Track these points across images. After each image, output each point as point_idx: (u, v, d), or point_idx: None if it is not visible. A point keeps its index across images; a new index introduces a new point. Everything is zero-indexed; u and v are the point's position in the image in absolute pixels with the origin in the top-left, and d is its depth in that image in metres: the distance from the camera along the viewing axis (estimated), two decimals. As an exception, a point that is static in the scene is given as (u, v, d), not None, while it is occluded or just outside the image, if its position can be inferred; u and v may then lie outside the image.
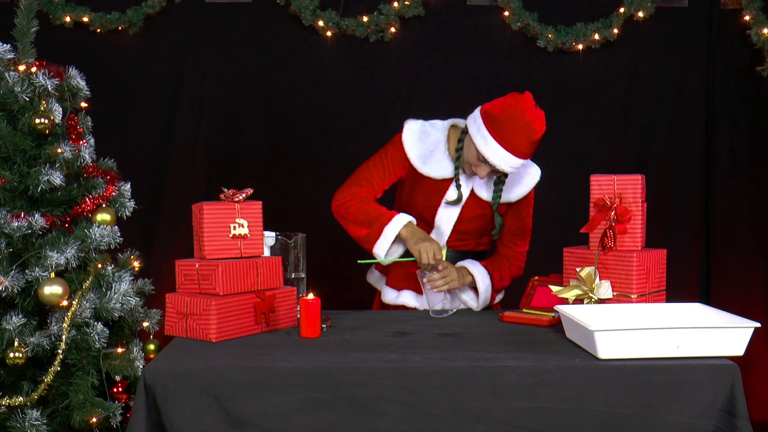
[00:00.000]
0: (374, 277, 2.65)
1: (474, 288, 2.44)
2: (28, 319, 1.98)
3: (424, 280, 2.29)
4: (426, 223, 2.47)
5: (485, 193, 2.43)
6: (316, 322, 1.97)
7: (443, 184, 2.42)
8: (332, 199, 2.44)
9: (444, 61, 3.53)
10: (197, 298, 1.96)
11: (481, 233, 2.50)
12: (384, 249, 2.33)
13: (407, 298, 2.50)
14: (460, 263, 2.42)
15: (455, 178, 2.40)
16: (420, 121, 2.47)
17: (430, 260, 2.24)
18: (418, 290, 2.49)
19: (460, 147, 2.39)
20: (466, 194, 2.42)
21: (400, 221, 2.32)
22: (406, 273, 2.49)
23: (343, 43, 3.53)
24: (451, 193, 2.41)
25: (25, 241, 2.00)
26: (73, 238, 2.04)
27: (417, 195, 2.46)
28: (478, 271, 2.41)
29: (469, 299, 2.43)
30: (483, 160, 2.26)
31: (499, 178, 2.41)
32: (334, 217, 2.45)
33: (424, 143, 2.42)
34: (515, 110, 2.18)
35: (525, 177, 2.47)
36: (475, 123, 2.27)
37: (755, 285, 3.55)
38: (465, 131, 2.36)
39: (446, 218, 2.43)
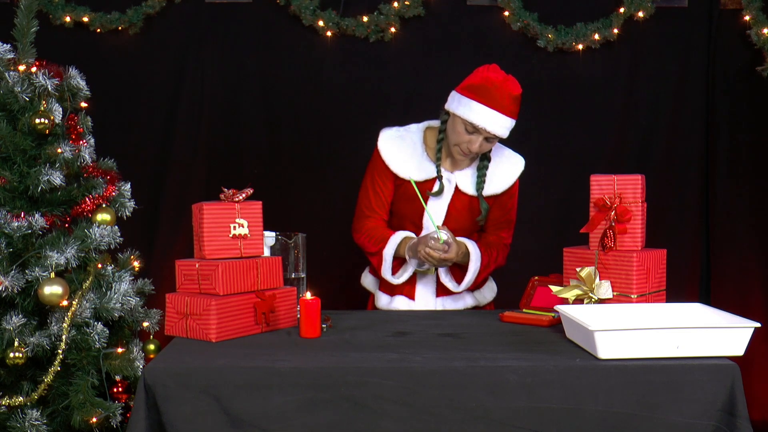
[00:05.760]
0: (368, 281, 2.66)
1: (456, 266, 2.45)
2: (28, 319, 1.98)
3: (429, 246, 2.31)
4: (414, 224, 2.49)
5: (470, 188, 2.45)
6: (316, 322, 1.97)
7: (426, 186, 2.44)
8: (352, 234, 2.56)
9: (444, 61, 3.52)
10: (197, 298, 1.96)
11: (470, 230, 2.51)
12: (388, 272, 2.45)
13: (400, 303, 2.50)
14: (462, 239, 2.42)
15: (437, 170, 2.43)
16: (394, 128, 2.52)
17: (437, 255, 2.29)
18: (411, 296, 2.50)
19: (441, 138, 2.44)
20: (450, 188, 2.45)
21: (392, 244, 2.42)
22: None
23: (343, 43, 3.53)
24: (435, 188, 2.44)
25: (25, 241, 2.00)
26: (73, 238, 2.04)
27: (402, 200, 2.49)
28: (475, 254, 2.42)
29: (447, 280, 2.46)
30: (473, 130, 2.31)
31: (483, 163, 2.45)
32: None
33: (400, 148, 2.47)
34: (488, 73, 2.31)
35: (509, 167, 2.50)
36: (454, 100, 2.35)
37: (755, 285, 3.55)
38: (445, 120, 2.42)
39: (434, 216, 2.44)
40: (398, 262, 2.46)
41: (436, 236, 2.30)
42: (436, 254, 2.29)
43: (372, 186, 2.49)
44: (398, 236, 2.43)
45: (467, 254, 2.40)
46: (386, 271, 2.44)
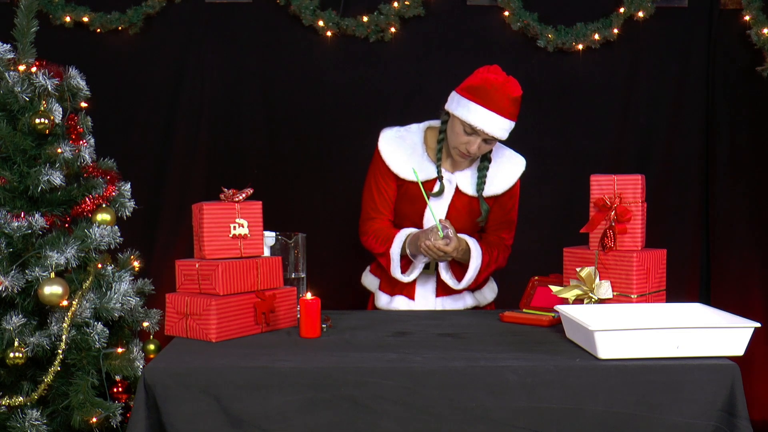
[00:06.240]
0: (368, 281, 2.66)
1: (457, 264, 2.45)
2: (28, 319, 1.98)
3: (428, 241, 2.30)
4: (414, 225, 2.49)
5: (471, 189, 2.45)
6: (316, 322, 1.97)
7: (426, 186, 2.43)
8: (359, 237, 2.55)
9: (444, 61, 3.53)
10: (197, 298, 1.96)
11: (471, 231, 2.51)
12: (397, 270, 2.44)
13: (400, 303, 2.50)
14: (463, 236, 2.42)
15: (437, 170, 2.43)
16: (395, 128, 2.52)
17: (439, 248, 2.27)
18: (410, 295, 2.50)
19: (442, 138, 2.43)
20: (450, 189, 2.45)
21: (398, 242, 2.41)
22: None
23: (343, 43, 3.53)
24: (436, 189, 2.43)
25: (25, 241, 2.00)
26: (73, 238, 2.04)
27: (403, 200, 2.48)
28: (476, 251, 2.41)
29: (447, 277, 2.45)
30: (472, 132, 2.31)
31: (483, 164, 2.44)
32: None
33: (401, 148, 2.47)
34: (488, 75, 2.29)
35: (509, 168, 2.50)
36: (454, 101, 2.35)
37: (755, 285, 3.55)
38: (445, 120, 2.41)
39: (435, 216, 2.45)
40: (407, 260, 2.46)
41: (436, 230, 2.29)
42: (437, 245, 2.27)
43: (376, 187, 2.49)
44: (403, 233, 2.43)
45: (468, 252, 2.40)
46: (395, 270, 2.44)
